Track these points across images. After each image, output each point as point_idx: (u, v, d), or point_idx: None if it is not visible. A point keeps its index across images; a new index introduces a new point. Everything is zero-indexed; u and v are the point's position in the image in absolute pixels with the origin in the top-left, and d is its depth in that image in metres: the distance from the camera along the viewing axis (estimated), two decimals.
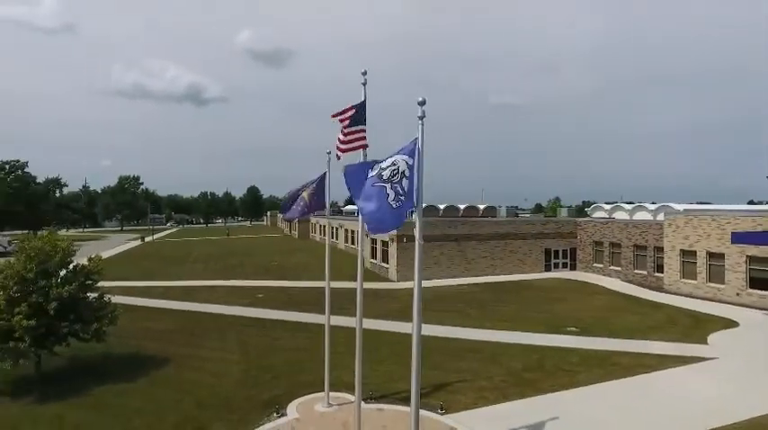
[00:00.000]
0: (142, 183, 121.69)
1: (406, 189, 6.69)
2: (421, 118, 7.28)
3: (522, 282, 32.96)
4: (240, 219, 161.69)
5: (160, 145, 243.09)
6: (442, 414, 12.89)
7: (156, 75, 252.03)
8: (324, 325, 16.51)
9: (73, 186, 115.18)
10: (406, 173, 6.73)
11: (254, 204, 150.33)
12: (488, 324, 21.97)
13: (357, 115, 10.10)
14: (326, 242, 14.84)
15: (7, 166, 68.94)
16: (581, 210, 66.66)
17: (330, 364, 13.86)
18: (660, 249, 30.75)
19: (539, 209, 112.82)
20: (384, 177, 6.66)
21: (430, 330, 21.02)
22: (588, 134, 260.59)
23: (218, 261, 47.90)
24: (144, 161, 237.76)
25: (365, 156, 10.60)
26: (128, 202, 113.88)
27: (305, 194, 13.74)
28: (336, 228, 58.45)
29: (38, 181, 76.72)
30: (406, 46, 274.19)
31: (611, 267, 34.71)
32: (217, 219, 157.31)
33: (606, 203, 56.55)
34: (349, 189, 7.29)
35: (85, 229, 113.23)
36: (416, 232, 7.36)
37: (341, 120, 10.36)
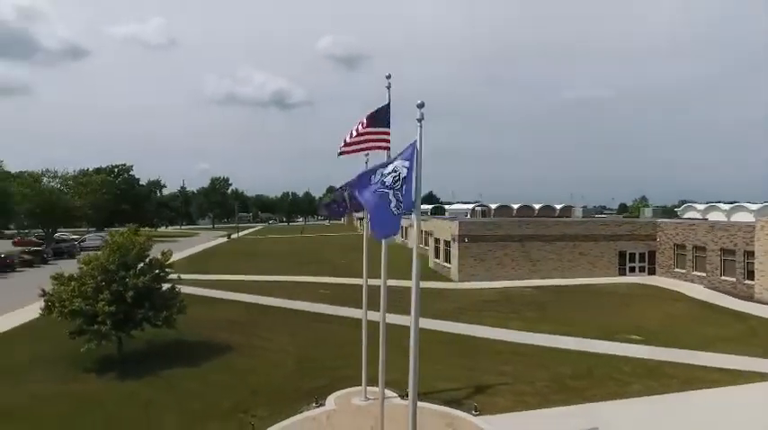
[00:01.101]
0: (231, 184, 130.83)
1: (404, 194, 6.95)
2: (419, 120, 7.50)
3: (590, 286, 31.37)
4: (320, 218, 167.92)
5: (249, 148, 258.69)
6: (475, 415, 12.90)
7: (245, 82, 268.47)
8: (393, 323, 17.13)
9: (173, 187, 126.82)
10: (406, 178, 7.00)
11: None
12: (544, 328, 21.31)
13: (380, 117, 10.41)
14: (364, 236, 15.30)
15: (116, 170, 77.57)
16: (669, 211, 61.60)
17: (368, 359, 14.31)
18: (751, 254, 27.80)
19: (623, 209, 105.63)
20: (387, 184, 6.97)
21: (481, 332, 20.88)
22: (690, 126, 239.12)
23: (290, 258, 50.44)
24: (235, 163, 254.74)
25: (388, 157, 10.93)
26: (218, 202, 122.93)
27: (346, 194, 14.32)
28: (407, 228, 59.04)
29: (141, 183, 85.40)
30: (474, 44, 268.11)
31: (695, 273, 31.91)
32: (298, 218, 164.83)
33: (704, 203, 51.91)
34: (356, 195, 7.65)
35: (182, 227, 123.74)
36: (413, 233, 7.59)
37: (364, 123, 10.64)
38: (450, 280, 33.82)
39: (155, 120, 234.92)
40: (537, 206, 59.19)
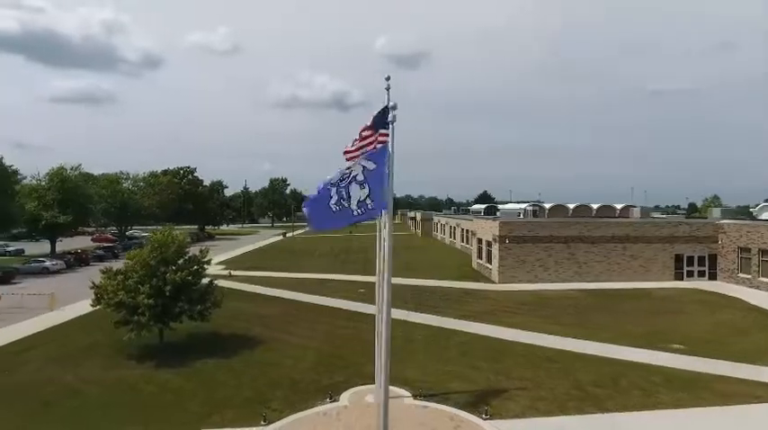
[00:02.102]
0: (289, 184, 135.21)
1: (350, 194, 7.06)
2: (391, 122, 7.59)
3: (639, 291, 29.64)
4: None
5: (311, 148, 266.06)
6: (485, 418, 12.72)
7: (307, 85, 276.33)
8: (420, 322, 17.03)
9: (237, 188, 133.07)
10: (359, 178, 7.10)
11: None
12: (579, 333, 20.49)
13: (379, 119, 10.50)
14: (377, 237, 15.45)
15: (182, 172, 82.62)
16: (743, 211, 56.61)
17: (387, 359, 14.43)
18: None
19: (693, 209, 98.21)
20: (333, 181, 7.14)
21: (510, 334, 20.41)
22: None
23: (336, 256, 51.53)
24: (296, 164, 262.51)
25: (390, 157, 11.04)
26: (277, 201, 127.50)
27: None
28: (453, 227, 58.45)
29: (205, 184, 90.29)
30: (542, 36, 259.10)
31: (761, 278, 29.30)
32: None
33: None
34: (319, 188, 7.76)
35: (244, 225, 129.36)
36: (386, 233, 7.69)
37: (369, 125, 10.77)
38: (491, 281, 33.17)
39: (221, 124, 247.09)
40: (595, 206, 56.51)
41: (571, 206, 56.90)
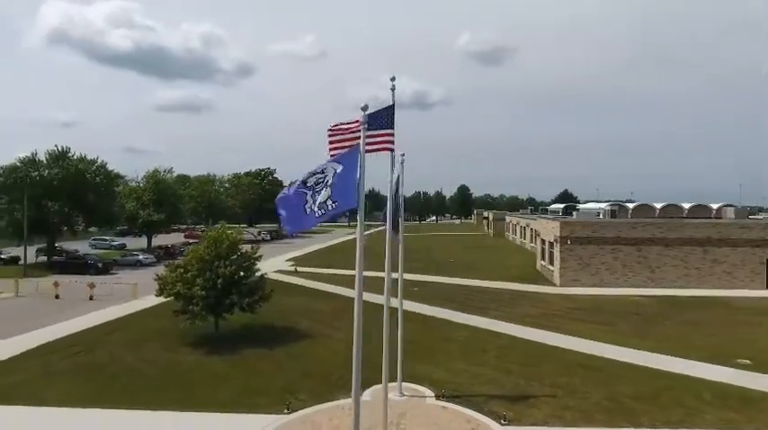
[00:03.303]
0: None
1: (319, 199, 7.31)
2: (363, 124, 7.80)
3: (721, 300, 26.85)
4: (454, 216, 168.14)
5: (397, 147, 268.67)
6: (503, 424, 12.43)
7: (388, 86, 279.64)
8: (465, 323, 16.98)
9: None
10: (329, 181, 7.36)
11: (463, 203, 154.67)
12: (633, 342, 19.14)
13: (384, 118, 10.63)
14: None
15: (262, 173, 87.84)
16: None
17: (402, 356, 14.61)
18: None
19: None
20: (308, 184, 7.46)
21: (556, 339, 19.58)
22: None
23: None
24: (375, 164, 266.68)
25: (393, 158, 11.20)
26: None
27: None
28: (524, 228, 56.51)
29: (284, 184, 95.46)
30: (637, 24, 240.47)
31: None
32: (430, 217, 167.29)
33: None
34: (285, 192, 8.04)
35: (322, 224, 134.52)
36: (357, 233, 7.90)
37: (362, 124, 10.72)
38: (552, 284, 31.79)
39: (305, 127, 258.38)
40: (687, 205, 51.81)
41: (658, 206, 52.70)
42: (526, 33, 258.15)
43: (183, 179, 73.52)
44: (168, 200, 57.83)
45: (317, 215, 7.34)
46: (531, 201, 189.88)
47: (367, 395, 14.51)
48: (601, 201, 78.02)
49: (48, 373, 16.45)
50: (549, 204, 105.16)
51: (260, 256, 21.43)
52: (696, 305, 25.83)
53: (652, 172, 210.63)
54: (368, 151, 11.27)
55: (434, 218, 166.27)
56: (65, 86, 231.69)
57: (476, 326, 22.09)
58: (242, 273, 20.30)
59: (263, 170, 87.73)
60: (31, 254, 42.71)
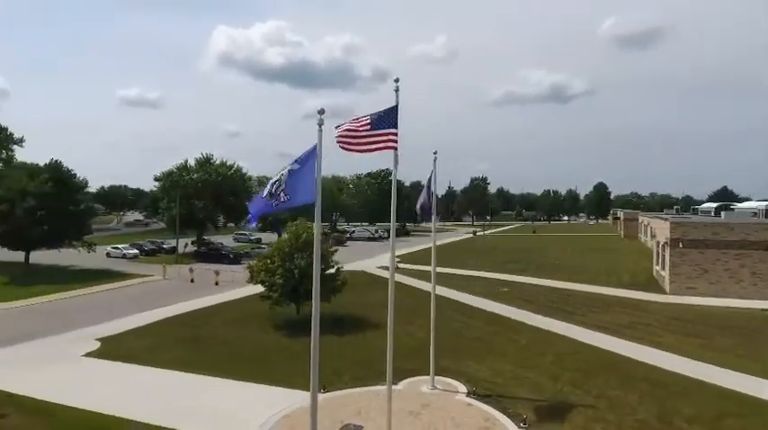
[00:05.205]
0: (489, 183, 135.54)
1: (272, 191, 8.28)
2: (320, 125, 8.61)
3: None
4: (591, 217, 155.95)
5: (523, 146, 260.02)
6: (521, 427, 12.16)
7: (522, 81, 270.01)
8: (539, 326, 17.01)
9: (456, 186, 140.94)
10: (284, 177, 8.30)
11: (599, 202, 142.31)
12: (725, 360, 16.73)
13: (388, 118, 11.16)
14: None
15: (382, 174, 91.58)
16: None
17: (436, 352, 14.92)
18: None
19: None
20: (272, 181, 8.49)
21: (632, 351, 18.02)
22: None
23: (508, 255, 50.43)
24: (506, 161, 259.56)
25: (396, 157, 11.67)
26: (477, 200, 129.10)
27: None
28: (653, 229, 50.68)
29: (406, 185, 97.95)
30: None
31: None
32: (562, 217, 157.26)
33: None
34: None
35: (446, 224, 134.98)
36: (315, 229, 8.74)
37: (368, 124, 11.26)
38: (663, 291, 28.43)
39: (437, 127, 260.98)
40: None
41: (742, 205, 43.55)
42: (681, 11, 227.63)
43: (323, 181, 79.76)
44: None
45: (273, 205, 8.38)
46: (686, 199, 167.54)
47: (401, 385, 15.15)
48: (758, 200, 66.21)
49: (163, 342, 20.03)
50: (704, 203, 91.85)
51: (335, 251, 23.17)
52: None
53: None
54: (373, 150, 12.03)
55: (566, 218, 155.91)
56: (231, 101, 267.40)
57: (548, 329, 21.11)
58: (322, 266, 22.18)
59: (382, 170, 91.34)
60: (182, 245, 50.88)
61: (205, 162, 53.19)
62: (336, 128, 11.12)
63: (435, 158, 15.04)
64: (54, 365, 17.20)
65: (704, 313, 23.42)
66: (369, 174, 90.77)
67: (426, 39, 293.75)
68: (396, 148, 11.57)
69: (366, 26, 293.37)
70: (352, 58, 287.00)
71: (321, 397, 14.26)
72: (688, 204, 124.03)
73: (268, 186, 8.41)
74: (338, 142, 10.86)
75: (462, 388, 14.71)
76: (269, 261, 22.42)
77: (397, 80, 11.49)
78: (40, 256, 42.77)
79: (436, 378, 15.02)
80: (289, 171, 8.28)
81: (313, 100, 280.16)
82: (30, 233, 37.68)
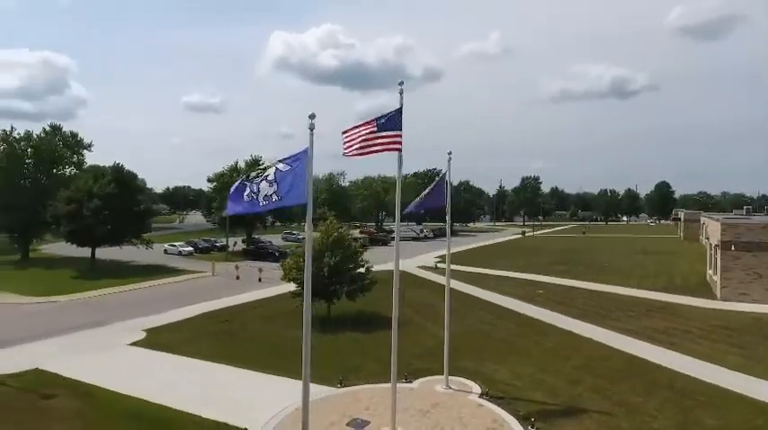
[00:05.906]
0: (541, 182, 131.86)
1: (259, 190, 8.67)
2: (311, 129, 8.96)
3: None
4: (652, 217, 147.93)
5: (580, 143, 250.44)
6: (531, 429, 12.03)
7: (579, 77, 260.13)
8: (570, 329, 17.00)
9: (506, 185, 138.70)
10: (270, 176, 8.67)
11: (661, 202, 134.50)
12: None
13: (392, 121, 11.39)
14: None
15: (429, 173, 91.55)
16: None
17: (450, 352, 14.97)
18: None
19: None
20: (250, 178, 8.92)
21: (662, 358, 17.29)
22: None
23: (549, 256, 49.06)
24: (562, 159, 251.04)
25: (400, 158, 11.87)
26: (528, 199, 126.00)
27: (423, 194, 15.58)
28: (703, 225, 47.54)
29: (453, 184, 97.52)
30: None
31: None
32: (621, 217, 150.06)
33: None
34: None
35: (496, 223, 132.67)
36: (306, 231, 9.13)
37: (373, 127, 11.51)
38: (713, 297, 26.73)
39: (490, 125, 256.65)
40: None
41: None
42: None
43: (370, 181, 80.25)
44: (339, 200, 65.20)
45: (261, 205, 8.80)
46: (761, 199, 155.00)
47: (416, 383, 15.34)
48: None
49: (200, 334, 21.29)
50: None
51: (362, 251, 23.63)
52: None
53: None
54: (378, 151, 12.33)
55: (625, 219, 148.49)
56: (286, 104, 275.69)
57: (578, 333, 20.52)
58: (350, 265, 22.74)
59: (430, 170, 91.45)
60: (232, 243, 53.29)
61: (253, 163, 55.42)
62: (344, 133, 11.52)
63: (450, 159, 15.12)
64: (102, 352, 18.76)
65: (753, 321, 21.85)
66: (415, 174, 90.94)
67: (479, 36, 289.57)
68: (400, 150, 11.80)
69: (417, 26, 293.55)
70: (404, 59, 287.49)
71: (336, 391, 14.80)
72: (764, 204, 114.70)
73: (249, 185, 8.80)
74: (344, 147, 11.27)
75: (476, 388, 14.68)
76: (300, 259, 23.19)
77: (401, 83, 11.71)
78: (104, 253, 46.30)
79: (452, 378, 15.07)
80: (275, 171, 8.69)
81: (365, 101, 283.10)
82: (95, 231, 40.89)
